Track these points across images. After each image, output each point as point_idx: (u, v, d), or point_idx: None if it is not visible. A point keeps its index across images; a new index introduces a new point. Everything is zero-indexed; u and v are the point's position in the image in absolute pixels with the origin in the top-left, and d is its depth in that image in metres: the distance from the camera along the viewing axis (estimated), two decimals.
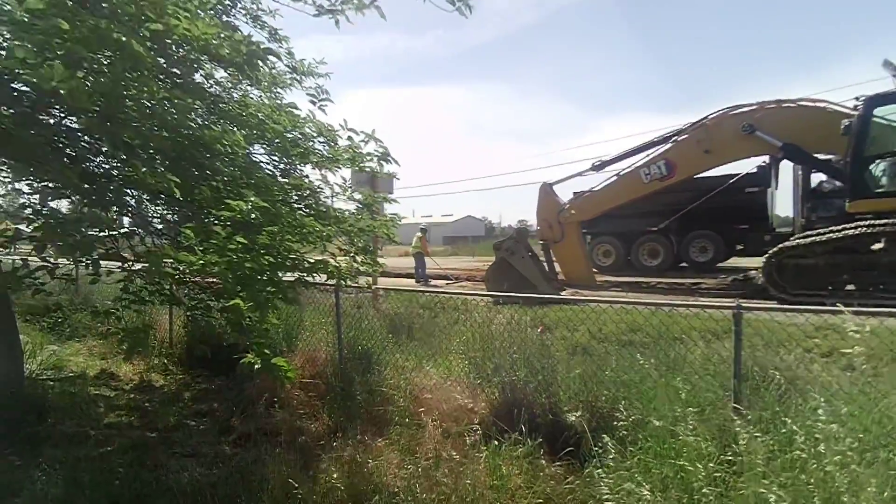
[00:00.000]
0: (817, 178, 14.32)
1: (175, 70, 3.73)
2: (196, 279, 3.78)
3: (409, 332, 6.81)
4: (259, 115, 4.17)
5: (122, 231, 3.84)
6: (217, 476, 3.57)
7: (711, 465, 2.78)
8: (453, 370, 5.05)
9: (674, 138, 11.58)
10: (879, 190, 8.90)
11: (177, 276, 3.35)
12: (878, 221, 8.60)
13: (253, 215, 3.37)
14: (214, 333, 5.31)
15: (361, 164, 4.76)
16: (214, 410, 5.04)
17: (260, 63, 3.69)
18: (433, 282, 15.66)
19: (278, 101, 4.58)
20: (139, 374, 6.14)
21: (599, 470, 3.13)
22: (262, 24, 4.41)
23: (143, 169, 2.88)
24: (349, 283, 4.57)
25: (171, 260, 3.07)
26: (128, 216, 4.45)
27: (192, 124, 3.74)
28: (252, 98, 4.57)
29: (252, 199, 3.36)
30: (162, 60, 3.43)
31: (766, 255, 9.64)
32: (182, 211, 4.22)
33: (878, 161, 8.98)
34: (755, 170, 14.70)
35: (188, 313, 4.58)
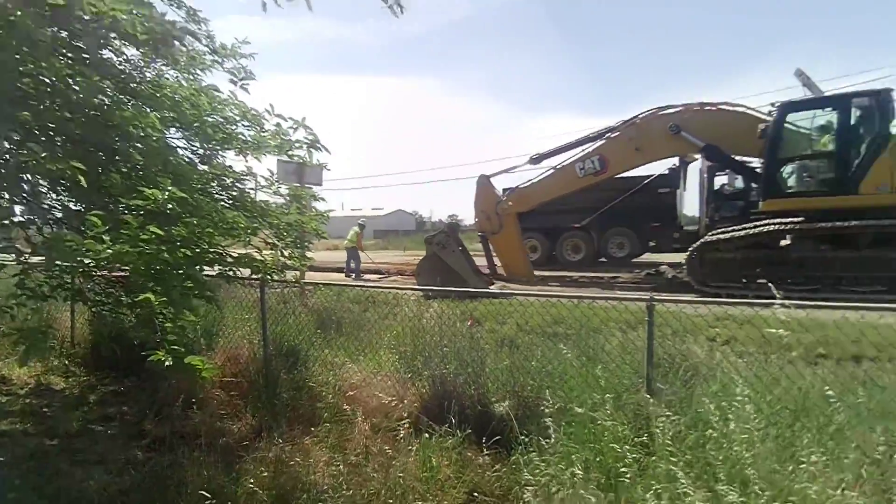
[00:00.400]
0: (720, 180, 15.71)
1: (80, 45, 3.41)
2: (104, 272, 3.49)
3: (338, 327, 6.68)
4: (175, 96, 3.90)
5: (15, 221, 3.45)
6: (128, 483, 3.33)
7: (628, 446, 2.98)
8: (383, 365, 5.03)
9: (607, 135, 12.05)
10: (790, 190, 9.70)
11: (82, 270, 3.06)
12: (786, 220, 9.48)
13: (169, 205, 3.16)
14: (124, 331, 4.92)
15: (290, 152, 4.59)
16: (124, 414, 4.68)
17: (176, 43, 3.46)
18: (365, 276, 15.46)
19: (197, 83, 4.31)
20: (35, 376, 5.57)
21: (525, 457, 3.27)
22: (179, 4, 4.11)
23: (44, 154, 2.60)
24: (276, 277, 4.40)
25: (75, 249, 2.80)
26: (21, 204, 4.00)
27: (100, 104, 3.44)
28: (168, 78, 4.26)
29: (169, 188, 3.15)
30: (65, 34, 3.12)
31: (689, 250, 10.34)
32: (88, 199, 3.86)
33: (789, 163, 9.81)
34: (666, 171, 15.86)
35: (94, 310, 4.20)
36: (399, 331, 5.55)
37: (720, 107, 11.11)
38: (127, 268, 2.88)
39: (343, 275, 15.72)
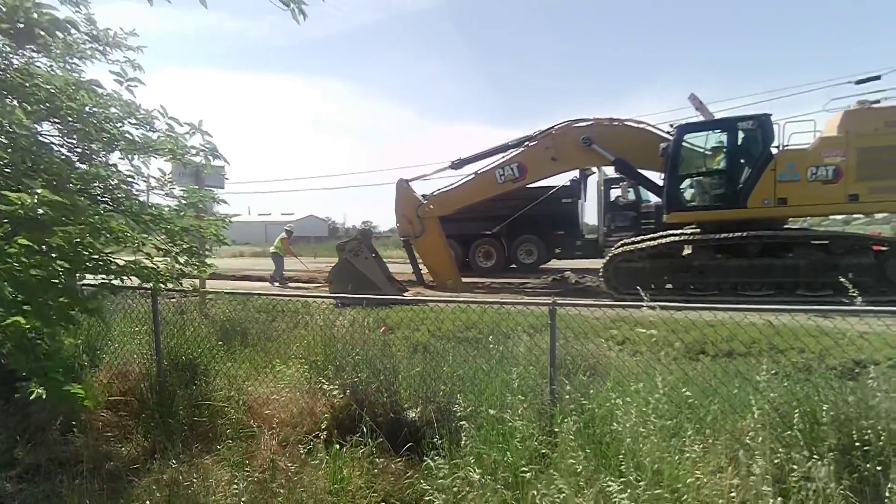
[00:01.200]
0: (615, 193, 17.02)
1: None
2: None
3: (243, 338, 6.32)
4: (49, 87, 3.49)
5: None
6: None
7: (535, 444, 3.12)
8: (293, 376, 4.84)
9: (525, 143, 12.53)
10: (689, 204, 10.66)
11: None
12: (686, 231, 10.43)
13: (41, 210, 2.81)
14: None
15: (183, 158, 4.26)
16: None
17: (41, 32, 3.09)
18: (291, 284, 14.85)
19: (75, 74, 3.87)
20: None
21: (436, 461, 3.30)
22: None
23: None
24: (170, 286, 4.07)
25: None
26: None
27: None
28: (39, 66, 3.80)
29: (39, 190, 2.80)
30: None
31: (605, 260, 11.00)
32: None
33: (687, 179, 10.80)
34: (568, 183, 16.90)
35: None
36: (310, 340, 5.37)
37: (626, 123, 11.91)
38: None
39: (268, 283, 14.98)
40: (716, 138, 10.52)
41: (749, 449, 2.93)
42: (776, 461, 2.74)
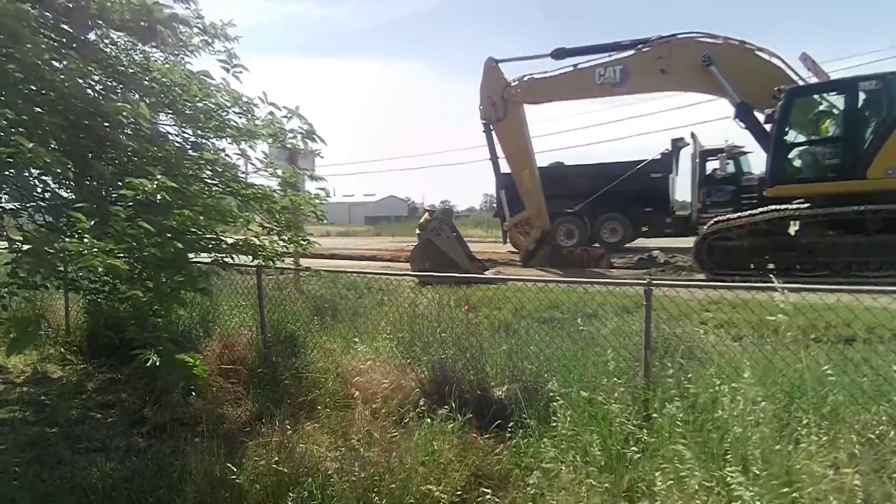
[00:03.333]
0: (712, 165, 15.76)
1: (64, 27, 3.31)
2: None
3: (333, 313, 6.68)
4: (165, 80, 3.81)
5: (6, 208, 3.38)
6: (131, 469, 3.32)
7: (630, 428, 3.02)
8: (381, 351, 5.04)
9: (639, 46, 11.12)
10: (799, 176, 9.64)
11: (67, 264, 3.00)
12: (791, 206, 9.39)
13: (159, 196, 3.08)
14: (120, 319, 4.88)
15: (283, 141, 4.51)
16: (123, 401, 4.66)
17: (163, 29, 3.36)
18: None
19: (187, 67, 4.20)
20: (31, 365, 5.51)
21: (525, 440, 3.30)
22: None
23: (30, 144, 2.53)
24: (276, 263, 4.36)
25: (51, 253, 2.72)
26: (9, 194, 3.90)
27: (88, 91, 3.35)
28: (157, 61, 4.16)
29: (158, 177, 3.07)
30: (49, 16, 3.03)
31: (696, 239, 10.25)
32: (76, 190, 3.77)
33: (796, 149, 9.76)
34: (658, 156, 15.93)
35: (88, 297, 4.14)
36: (396, 317, 5.55)
37: (759, 52, 10.23)
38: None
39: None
40: (832, 102, 9.39)
41: (874, 444, 2.66)
42: None
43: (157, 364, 2.83)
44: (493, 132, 12.97)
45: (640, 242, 17.00)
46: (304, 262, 7.37)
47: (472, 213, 57.71)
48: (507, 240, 18.30)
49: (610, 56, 11.44)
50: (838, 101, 9.25)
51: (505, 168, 13.48)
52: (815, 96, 9.62)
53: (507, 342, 4.65)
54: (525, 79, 12.45)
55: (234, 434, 3.82)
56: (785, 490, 2.40)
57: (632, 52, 11.19)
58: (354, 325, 5.95)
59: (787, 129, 9.60)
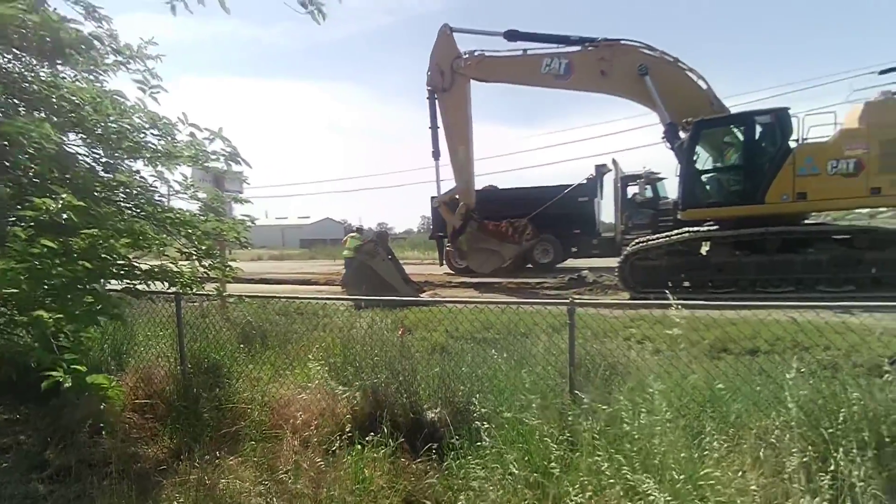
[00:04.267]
0: (632, 190, 16.85)
1: None
2: None
3: (263, 340, 6.42)
4: (74, 98, 3.59)
5: None
6: None
7: (554, 445, 3.11)
8: (312, 378, 4.90)
9: (586, 45, 11.50)
10: (706, 201, 10.44)
11: None
12: (703, 228, 10.20)
13: (65, 215, 2.90)
14: (19, 352, 4.43)
15: (205, 164, 4.35)
16: (21, 444, 4.21)
17: (70, 50, 3.20)
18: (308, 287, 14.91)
19: (99, 85, 3.99)
20: None
21: (457, 462, 3.32)
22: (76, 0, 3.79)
23: None
24: (195, 290, 4.15)
25: None
26: None
27: None
28: (65, 78, 3.92)
29: (64, 196, 2.89)
30: None
31: (620, 259, 10.82)
32: None
33: (703, 176, 10.61)
34: (584, 181, 16.82)
35: None
36: (329, 342, 5.42)
37: (689, 72, 10.74)
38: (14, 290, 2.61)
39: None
40: (732, 133, 10.35)
41: (775, 448, 2.89)
42: (804, 460, 2.70)
43: (69, 385, 2.60)
44: (436, 101, 13.10)
45: (571, 263, 17.71)
46: (233, 287, 7.06)
47: (409, 235, 57.77)
48: (444, 261, 18.54)
49: (558, 48, 11.77)
50: (739, 133, 10.21)
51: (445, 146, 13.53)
52: (719, 128, 10.53)
53: (440, 364, 4.67)
54: (476, 54, 12.61)
55: (147, 474, 3.56)
56: (694, 495, 2.57)
57: (578, 48, 11.58)
58: (285, 351, 5.75)
59: (694, 158, 10.50)
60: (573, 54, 11.59)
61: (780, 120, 9.69)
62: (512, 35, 12.11)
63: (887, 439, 2.65)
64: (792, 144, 9.58)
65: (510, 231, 13.92)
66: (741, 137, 10.11)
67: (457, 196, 13.80)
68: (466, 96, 12.89)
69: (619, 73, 11.07)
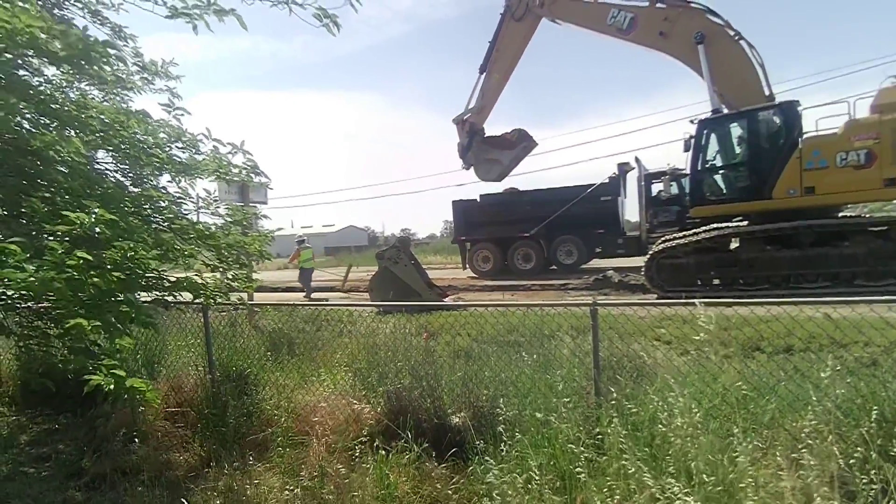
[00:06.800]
0: (657, 187, 16.54)
1: None
2: (29, 304, 3.27)
3: (290, 348, 6.51)
4: (103, 117, 3.73)
5: None
6: None
7: (581, 448, 3.06)
8: (338, 384, 4.94)
9: (656, 3, 11.20)
10: (714, 197, 10.37)
11: (3, 302, 2.86)
12: (731, 224, 10.00)
13: (98, 229, 3.01)
14: (56, 364, 4.61)
15: (228, 177, 4.46)
16: (59, 453, 4.37)
17: (100, 60, 3.31)
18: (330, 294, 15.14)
19: (125, 104, 4.14)
20: None
21: (482, 466, 3.29)
22: (102, 20, 3.94)
23: None
24: (220, 300, 4.25)
25: None
26: None
27: (18, 128, 3.24)
28: (94, 98, 4.07)
29: (96, 210, 3.01)
30: None
31: (646, 258, 10.70)
32: (7, 227, 3.61)
33: (710, 173, 10.53)
34: (607, 180, 16.58)
35: (21, 344, 3.91)
36: (353, 348, 5.47)
37: (750, 52, 10.22)
38: (53, 299, 2.72)
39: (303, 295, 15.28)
40: (738, 130, 10.18)
41: (812, 449, 2.78)
42: (842, 462, 2.59)
43: (110, 389, 2.69)
44: (504, 21, 13.64)
45: (595, 263, 17.47)
46: (258, 296, 7.21)
47: (432, 241, 57.96)
48: (467, 265, 18.52)
49: (628, 1, 11.54)
50: (744, 129, 10.03)
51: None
52: (724, 125, 10.35)
53: (463, 368, 4.65)
54: None
55: (179, 481, 3.64)
56: (726, 499, 2.49)
57: (647, 3, 11.29)
58: (311, 358, 5.82)
59: (701, 156, 10.41)
60: (639, 9, 11.33)
61: (784, 114, 9.52)
62: None
63: None
64: (799, 138, 9.35)
65: (515, 137, 15.53)
66: (746, 133, 9.94)
67: (467, 116, 14.96)
68: (528, 35, 13.56)
69: (678, 38, 10.72)
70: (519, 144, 15.47)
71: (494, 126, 14.79)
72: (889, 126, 8.54)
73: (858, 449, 2.58)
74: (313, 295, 14.78)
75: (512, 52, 13.88)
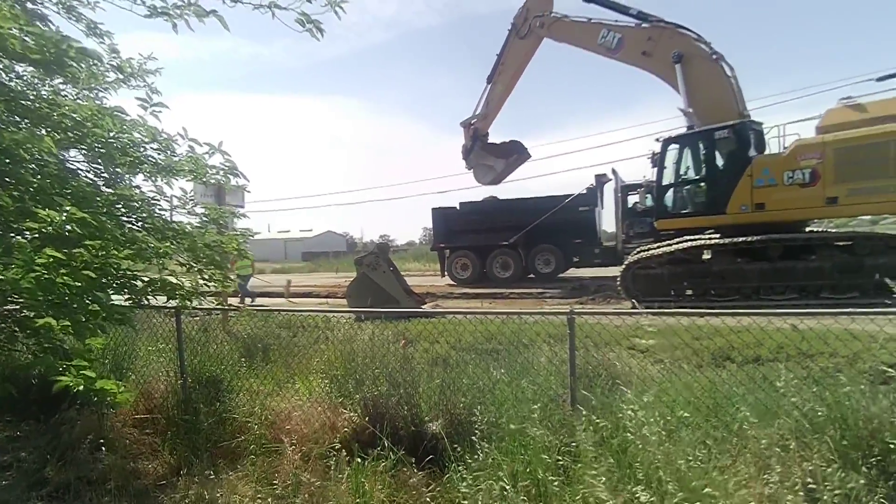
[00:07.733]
0: (632, 199, 16.88)
1: None
2: None
3: (265, 354, 6.41)
4: (75, 115, 3.63)
5: None
6: None
7: (556, 456, 3.08)
8: (314, 391, 4.87)
9: (639, 22, 11.72)
10: (675, 211, 10.82)
11: None
12: (703, 236, 10.31)
13: (68, 227, 2.93)
14: (20, 368, 4.44)
15: (205, 179, 4.38)
16: (22, 461, 4.19)
17: (73, 65, 3.24)
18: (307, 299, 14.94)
19: (99, 102, 4.03)
20: None
21: (457, 474, 3.28)
22: (78, 16, 3.84)
23: None
24: (194, 303, 4.16)
25: None
26: None
27: None
28: (67, 96, 3.96)
29: (67, 208, 2.93)
30: None
31: (622, 268, 10.96)
32: None
33: (671, 189, 11.01)
34: (584, 191, 16.86)
35: None
36: (330, 355, 5.41)
37: (728, 73, 10.54)
38: (21, 299, 2.64)
39: (284, 299, 15.11)
40: (697, 148, 10.60)
41: (779, 457, 2.85)
42: (809, 469, 2.66)
43: (78, 390, 2.61)
44: (510, 36, 14.58)
45: (572, 272, 17.68)
46: (234, 301, 7.07)
47: (411, 247, 57.79)
48: (446, 272, 18.56)
49: (616, 21, 12.11)
50: (702, 147, 10.46)
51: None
52: (686, 143, 10.76)
53: (441, 375, 4.64)
54: (558, 15, 13.59)
55: (147, 490, 3.54)
56: None
57: (633, 24, 11.86)
58: (287, 365, 5.73)
59: (664, 172, 10.95)
60: (626, 29, 11.88)
61: (737, 134, 9.99)
62: None
63: (892, 446, 2.62)
64: (752, 155, 9.83)
65: (502, 150, 16.63)
66: (704, 151, 10.40)
67: (473, 121, 16.13)
68: (531, 53, 14.51)
69: (660, 57, 11.20)
70: (511, 155, 16.41)
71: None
72: (832, 147, 8.94)
73: (824, 456, 2.66)
74: (257, 300, 14.79)
75: (515, 66, 14.93)
